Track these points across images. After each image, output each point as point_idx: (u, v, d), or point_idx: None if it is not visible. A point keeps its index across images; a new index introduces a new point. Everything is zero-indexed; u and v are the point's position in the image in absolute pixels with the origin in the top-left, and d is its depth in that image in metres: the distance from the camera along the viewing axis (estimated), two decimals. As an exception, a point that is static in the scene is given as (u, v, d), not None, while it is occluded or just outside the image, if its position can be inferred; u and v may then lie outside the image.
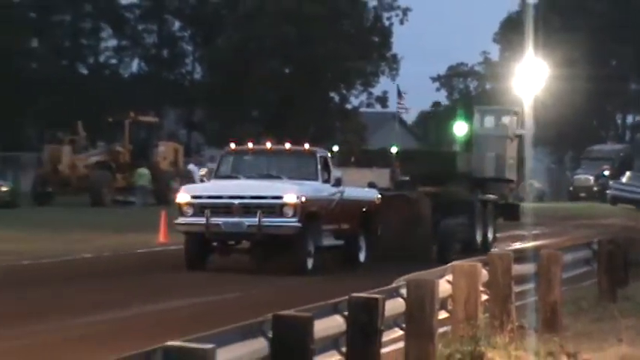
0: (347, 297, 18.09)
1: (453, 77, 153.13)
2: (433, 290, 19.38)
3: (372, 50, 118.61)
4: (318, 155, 35.57)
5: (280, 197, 32.03)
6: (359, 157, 46.71)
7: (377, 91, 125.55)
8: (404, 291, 20.09)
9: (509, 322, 23.35)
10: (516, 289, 25.08)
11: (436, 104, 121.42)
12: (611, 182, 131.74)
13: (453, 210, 46.64)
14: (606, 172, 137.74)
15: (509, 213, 56.31)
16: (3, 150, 77.75)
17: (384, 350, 18.23)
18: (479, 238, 47.90)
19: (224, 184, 36.18)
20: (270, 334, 15.00)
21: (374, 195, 39.21)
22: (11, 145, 78.47)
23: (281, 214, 31.78)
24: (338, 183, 35.95)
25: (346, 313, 17.51)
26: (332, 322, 17.41)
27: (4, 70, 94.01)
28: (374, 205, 38.49)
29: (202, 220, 32.54)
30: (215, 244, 34.50)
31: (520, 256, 28.12)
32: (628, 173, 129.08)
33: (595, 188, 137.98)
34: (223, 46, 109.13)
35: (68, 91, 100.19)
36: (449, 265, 24.93)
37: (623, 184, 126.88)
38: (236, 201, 32.68)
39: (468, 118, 54.73)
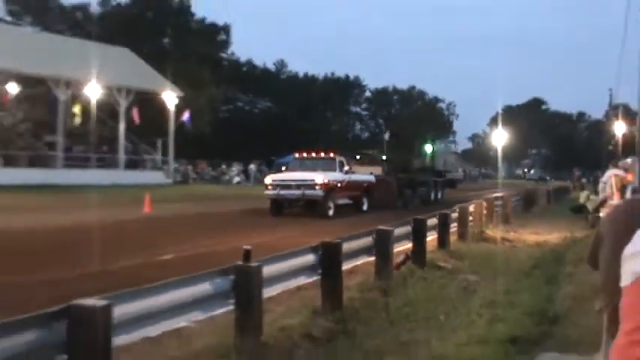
0: (438, 212, 17.05)
1: (474, 138, 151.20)
2: (467, 209, 19.53)
3: (446, 129, 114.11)
4: (337, 159, 30.72)
5: (313, 180, 28.08)
6: (369, 160, 39.48)
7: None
8: (457, 210, 18.98)
9: (492, 220, 22.43)
10: (495, 209, 24.18)
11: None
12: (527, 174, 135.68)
13: (416, 185, 39.27)
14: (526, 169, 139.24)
15: (451, 185, 48.80)
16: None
17: (452, 230, 17.37)
18: (432, 197, 41.09)
19: (287, 174, 30.26)
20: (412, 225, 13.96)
21: (372, 178, 33.46)
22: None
23: (314, 189, 27.91)
24: (347, 172, 30.49)
25: (438, 217, 16.49)
26: (434, 220, 16.12)
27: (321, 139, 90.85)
28: (372, 183, 32.97)
29: (276, 192, 28.47)
30: (285, 204, 29.18)
31: (496, 198, 26.26)
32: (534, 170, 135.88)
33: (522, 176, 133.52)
34: (392, 127, 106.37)
35: (344, 142, 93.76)
36: (471, 202, 22.44)
37: (531, 174, 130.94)
38: (292, 182, 28.44)
39: (432, 143, 47.72)
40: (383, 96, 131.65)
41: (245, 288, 7.57)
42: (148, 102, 57.39)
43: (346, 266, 10.49)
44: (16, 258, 15.14)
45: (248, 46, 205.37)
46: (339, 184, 29.17)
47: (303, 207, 28.79)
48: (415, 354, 7.85)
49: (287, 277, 9.11)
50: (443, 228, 16.88)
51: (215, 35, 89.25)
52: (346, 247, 10.38)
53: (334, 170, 29.55)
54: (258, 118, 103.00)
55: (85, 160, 52.10)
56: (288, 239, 18.25)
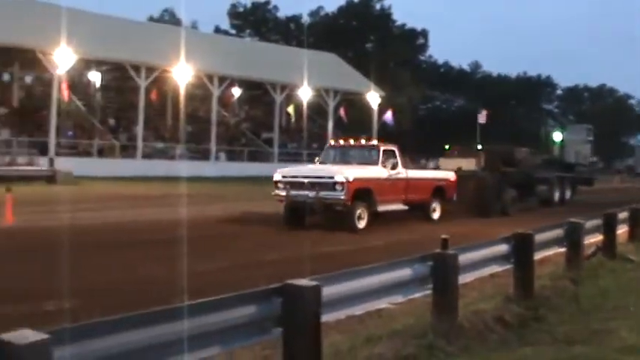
0: (628, 207, 15.43)
1: None
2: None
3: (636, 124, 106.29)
4: (381, 148, 20.39)
5: (332, 177, 18.38)
6: (460, 151, 27.62)
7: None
8: (627, 212, 15.62)
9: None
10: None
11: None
12: None
13: (531, 182, 28.17)
14: None
15: (586, 182, 34.56)
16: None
17: (619, 232, 14.22)
18: (556, 198, 29.93)
19: (302, 168, 21.79)
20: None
21: (449, 175, 22.88)
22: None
23: (334, 189, 18.24)
24: (394, 167, 19.99)
25: (629, 210, 14.94)
26: (595, 222, 13.83)
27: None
28: (449, 182, 22.44)
29: (286, 192, 19.03)
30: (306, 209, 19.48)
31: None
32: None
33: None
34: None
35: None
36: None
37: None
38: (306, 180, 18.88)
39: (562, 130, 39.35)
40: (573, 94, 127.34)
41: (442, 274, 7.56)
42: (354, 102, 58.53)
43: (538, 256, 10.24)
44: (243, 241, 15.94)
45: (445, 49, 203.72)
46: (379, 184, 19.69)
47: (325, 215, 19.46)
48: (606, 343, 7.53)
49: (481, 265, 9.01)
50: (634, 221, 15.76)
51: (414, 39, 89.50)
52: (538, 238, 10.13)
53: (375, 164, 20.18)
54: (455, 115, 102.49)
55: (298, 155, 53.49)
56: (484, 230, 18.17)
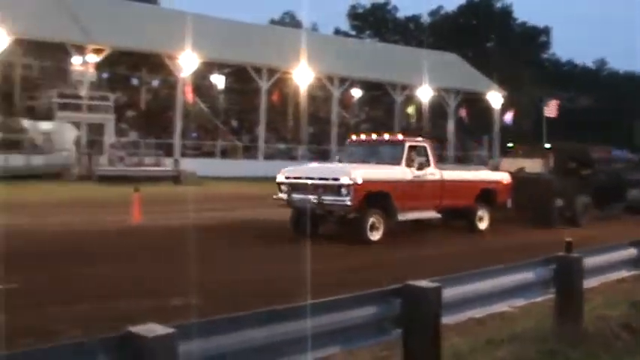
0: None
1: None
2: None
3: None
4: (406, 144, 16.47)
5: (338, 179, 14.97)
6: (526, 151, 22.66)
7: None
8: None
9: None
10: None
11: None
12: None
13: (621, 186, 23.24)
14: None
15: None
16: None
17: None
18: None
19: (307, 168, 18.12)
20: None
21: (502, 176, 19.02)
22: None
23: (339, 194, 14.84)
24: (421, 167, 16.23)
25: None
26: None
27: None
28: (500, 185, 18.59)
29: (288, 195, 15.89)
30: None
31: None
32: None
33: None
34: None
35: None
36: None
37: None
38: (309, 181, 15.47)
39: None
40: None
41: (566, 277, 7.42)
42: (474, 102, 57.73)
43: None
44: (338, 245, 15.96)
45: (569, 47, 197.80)
46: (400, 187, 16.17)
47: (337, 223, 16.35)
48: None
49: (607, 269, 8.74)
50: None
51: (536, 38, 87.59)
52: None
53: (397, 163, 16.54)
54: (579, 114, 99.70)
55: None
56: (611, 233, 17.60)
